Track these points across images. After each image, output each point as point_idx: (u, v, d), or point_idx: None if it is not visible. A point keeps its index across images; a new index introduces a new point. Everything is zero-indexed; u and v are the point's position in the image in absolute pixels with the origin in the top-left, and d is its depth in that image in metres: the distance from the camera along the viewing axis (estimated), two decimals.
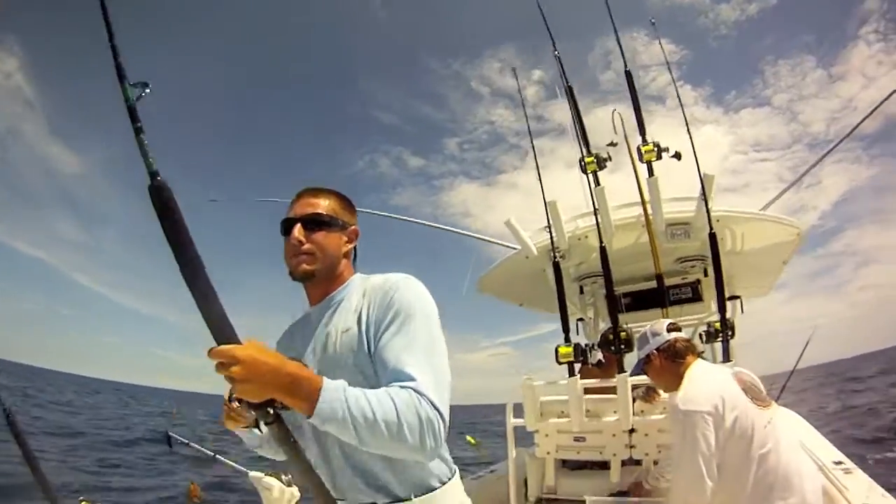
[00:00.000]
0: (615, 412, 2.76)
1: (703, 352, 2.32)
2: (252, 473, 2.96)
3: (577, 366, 2.75)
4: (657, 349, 2.06)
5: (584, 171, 2.83)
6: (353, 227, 1.30)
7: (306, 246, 1.20)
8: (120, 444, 12.69)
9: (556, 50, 3.03)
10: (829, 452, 2.58)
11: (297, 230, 1.20)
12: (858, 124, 4.29)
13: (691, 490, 1.85)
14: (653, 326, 2.15)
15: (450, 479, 1.17)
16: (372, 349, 1.10)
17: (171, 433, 3.86)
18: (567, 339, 2.76)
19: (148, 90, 0.87)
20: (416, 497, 1.11)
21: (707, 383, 1.89)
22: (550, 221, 2.92)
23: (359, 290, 1.22)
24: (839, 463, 2.67)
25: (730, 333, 2.71)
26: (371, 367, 1.09)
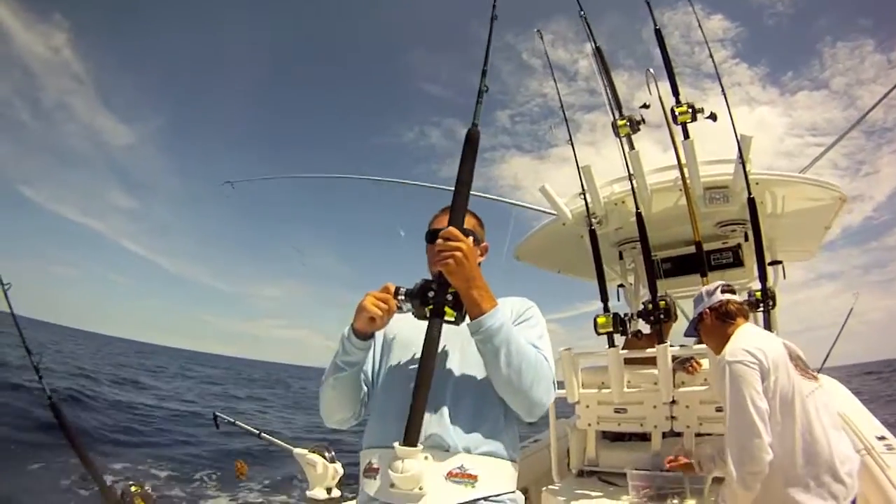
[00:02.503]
0: (656, 384, 2.71)
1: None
2: (297, 450, 3.02)
3: (618, 337, 2.70)
4: (709, 308, 2.07)
5: (617, 134, 2.74)
6: (485, 243, 1.50)
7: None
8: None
9: (581, 10, 2.92)
10: (873, 427, 2.48)
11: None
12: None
13: (747, 442, 1.72)
14: (708, 287, 2.17)
15: (514, 461, 1.26)
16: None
17: (217, 413, 3.97)
18: (605, 309, 2.71)
19: None
20: (487, 456, 1.17)
21: (753, 339, 1.87)
22: (585, 186, 2.85)
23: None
24: (882, 438, 2.56)
25: (771, 303, 2.61)
26: None
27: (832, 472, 1.66)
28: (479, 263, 1.44)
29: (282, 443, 3.26)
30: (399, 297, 1.19)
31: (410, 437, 1.06)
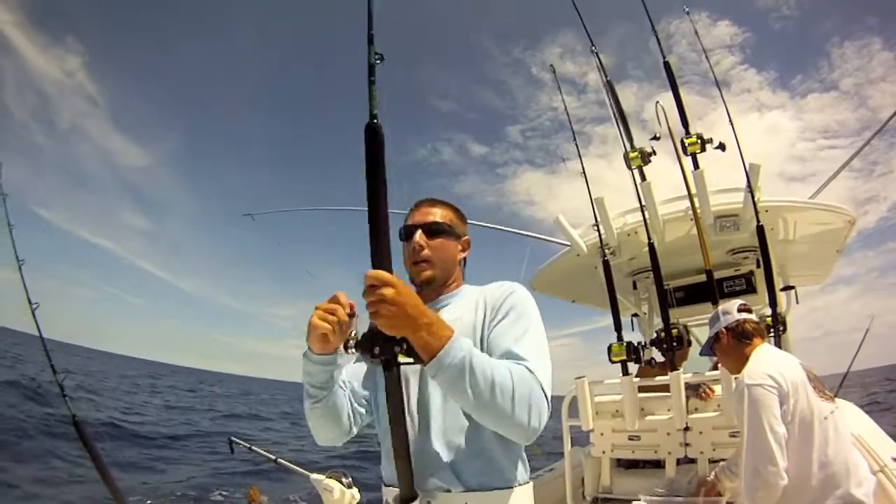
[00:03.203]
0: (669, 410, 2.73)
1: None
2: (313, 476, 3.04)
3: (632, 364, 2.73)
4: (726, 328, 2.06)
5: (629, 166, 2.80)
6: (466, 237, 1.38)
7: (426, 252, 1.26)
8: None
9: (593, 46, 3.01)
10: (888, 447, 2.47)
11: (419, 236, 1.26)
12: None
13: (762, 468, 1.74)
14: (724, 306, 2.15)
15: (526, 482, 1.18)
16: (485, 337, 1.15)
17: (232, 438, 3.98)
18: (619, 338, 2.74)
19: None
20: (494, 490, 1.11)
21: (772, 361, 1.88)
22: (598, 218, 2.91)
23: (472, 293, 1.28)
24: None
25: (781, 328, 2.64)
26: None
27: (847, 495, 1.67)
28: (463, 260, 1.37)
29: (298, 468, 3.28)
30: (349, 350, 1.07)
31: (404, 492, 1.04)
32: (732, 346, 2.04)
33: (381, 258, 0.94)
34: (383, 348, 0.97)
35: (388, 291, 0.89)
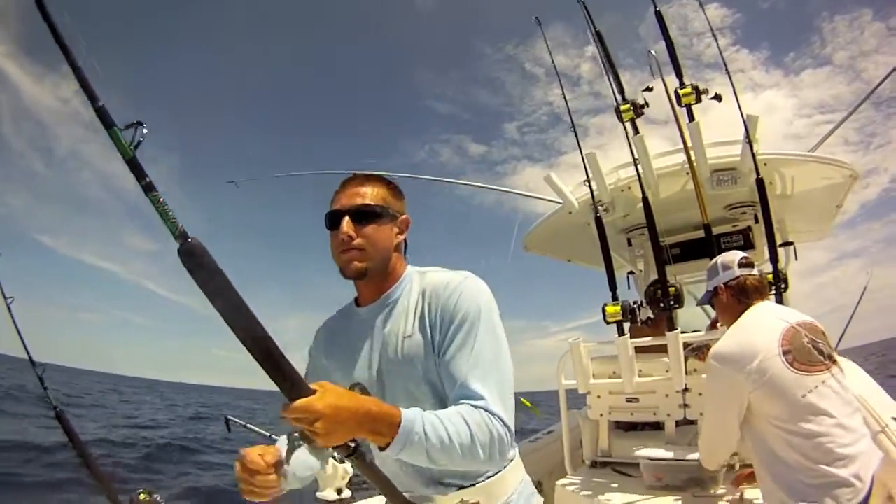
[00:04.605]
0: (667, 371, 2.67)
1: None
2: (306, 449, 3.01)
3: (627, 325, 2.65)
4: (725, 284, 1.93)
5: (621, 119, 2.68)
6: (404, 216, 1.20)
7: (357, 241, 1.10)
8: None
9: None
10: (888, 407, 2.42)
11: (346, 224, 1.10)
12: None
13: (707, 447, 1.90)
14: (724, 258, 2.00)
15: (511, 460, 1.15)
16: (437, 362, 1.07)
17: (228, 416, 3.98)
18: (614, 297, 2.66)
19: (145, 130, 0.72)
20: (479, 482, 1.09)
21: (746, 337, 1.74)
22: (590, 174, 2.80)
23: (416, 289, 1.15)
24: None
25: (783, 286, 2.55)
26: (437, 375, 1.07)
27: (832, 474, 1.51)
28: (402, 244, 1.22)
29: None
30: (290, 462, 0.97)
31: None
32: (731, 304, 1.91)
33: (290, 384, 0.79)
34: (339, 451, 0.89)
35: (319, 426, 0.79)
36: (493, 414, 0.97)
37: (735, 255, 2.00)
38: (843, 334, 4.29)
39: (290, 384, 0.79)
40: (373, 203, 1.13)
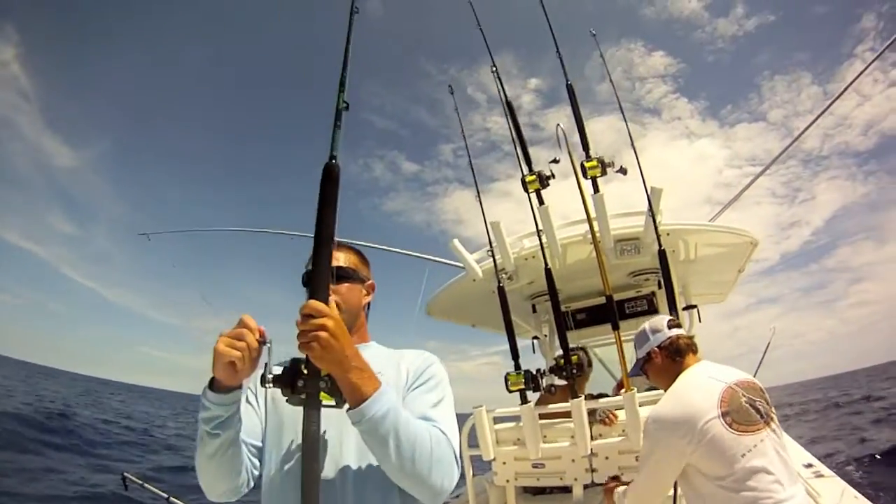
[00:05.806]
0: (572, 437, 2.68)
1: None
2: None
3: (530, 393, 2.66)
4: (658, 346, 1.93)
5: (526, 189, 2.74)
6: (370, 281, 1.38)
7: (333, 297, 1.18)
8: None
9: (494, 66, 2.95)
10: (800, 455, 2.50)
11: None
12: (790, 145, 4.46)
13: (639, 502, 1.84)
14: (652, 323, 2.01)
15: None
16: (404, 398, 1.18)
17: (126, 474, 3.70)
18: (517, 366, 2.67)
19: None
20: None
21: (685, 400, 1.73)
22: (494, 243, 2.84)
23: (385, 354, 1.30)
24: (809, 466, 2.59)
25: None
26: None
27: None
28: (367, 305, 1.37)
29: None
30: (267, 384, 0.97)
31: None
32: (666, 365, 1.90)
33: (320, 290, 0.96)
34: (308, 383, 0.96)
35: (328, 323, 0.90)
36: (449, 440, 1.08)
37: (662, 319, 2.02)
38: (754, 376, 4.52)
39: (321, 290, 0.96)
40: (346, 266, 1.31)
